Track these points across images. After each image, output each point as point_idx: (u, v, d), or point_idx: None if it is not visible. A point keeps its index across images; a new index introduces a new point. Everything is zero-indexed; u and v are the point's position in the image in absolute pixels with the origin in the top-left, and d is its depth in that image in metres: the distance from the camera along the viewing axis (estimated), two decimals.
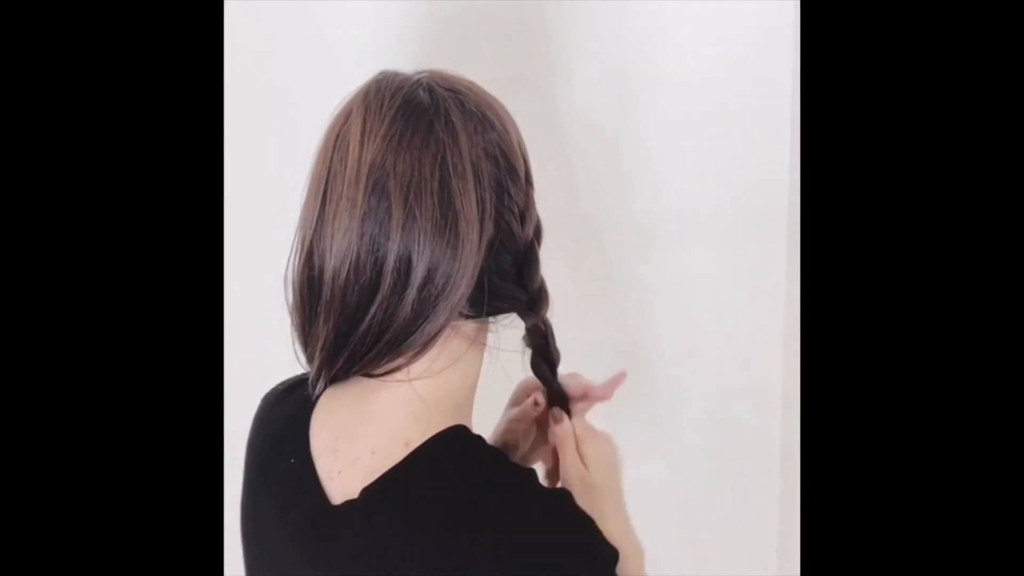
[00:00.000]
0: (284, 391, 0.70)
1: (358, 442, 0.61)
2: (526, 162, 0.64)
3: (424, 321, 0.58)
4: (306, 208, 0.60)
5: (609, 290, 1.13)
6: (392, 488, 0.58)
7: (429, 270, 0.56)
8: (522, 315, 0.66)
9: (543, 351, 0.70)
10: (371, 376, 0.61)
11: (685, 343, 1.16)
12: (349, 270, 0.57)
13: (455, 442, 0.60)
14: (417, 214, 0.56)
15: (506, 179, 0.60)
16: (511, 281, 0.62)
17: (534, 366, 0.71)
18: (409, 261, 0.56)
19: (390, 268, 0.56)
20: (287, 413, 0.67)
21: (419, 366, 0.60)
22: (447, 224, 0.56)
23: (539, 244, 0.65)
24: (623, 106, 1.08)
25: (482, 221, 0.58)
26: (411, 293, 0.57)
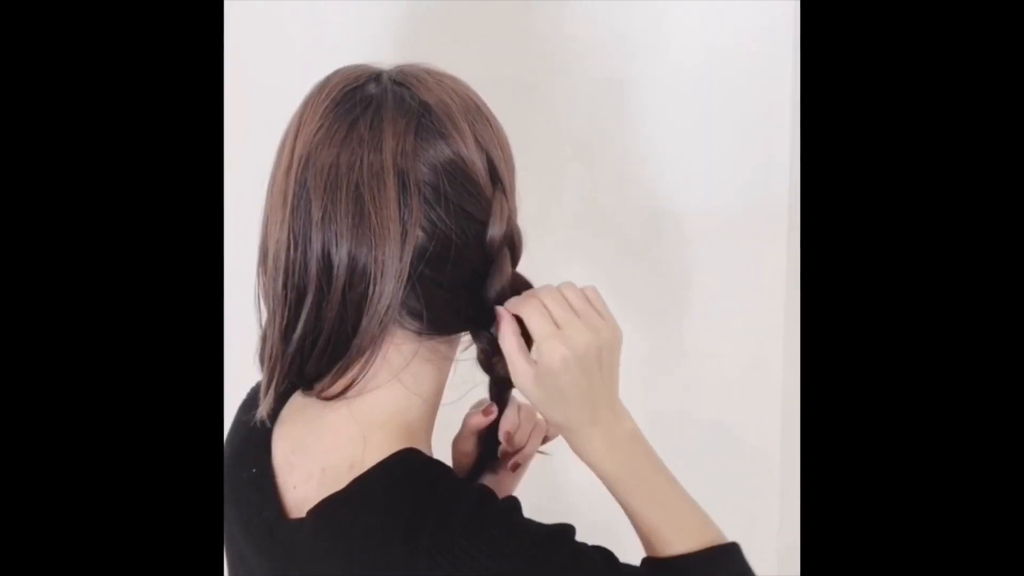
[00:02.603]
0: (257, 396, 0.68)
1: (310, 458, 0.60)
2: (493, 167, 0.59)
3: (356, 331, 0.56)
4: (264, 204, 0.60)
5: (609, 290, 1.13)
6: (335, 513, 0.56)
7: (349, 271, 0.55)
8: (474, 335, 0.62)
9: (498, 376, 0.64)
10: (325, 398, 0.59)
11: (685, 343, 1.16)
12: (285, 265, 0.57)
13: (401, 468, 0.57)
14: (333, 214, 0.55)
15: (447, 184, 0.56)
16: (457, 293, 0.59)
17: (496, 393, 0.67)
18: (330, 260, 0.56)
19: (313, 267, 0.56)
20: (253, 421, 0.65)
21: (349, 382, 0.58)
22: (362, 227, 0.55)
23: (512, 256, 0.61)
24: (623, 106, 1.08)
25: (404, 226, 0.55)
26: (335, 295, 0.56)
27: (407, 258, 0.55)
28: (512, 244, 0.61)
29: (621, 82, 1.07)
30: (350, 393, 0.59)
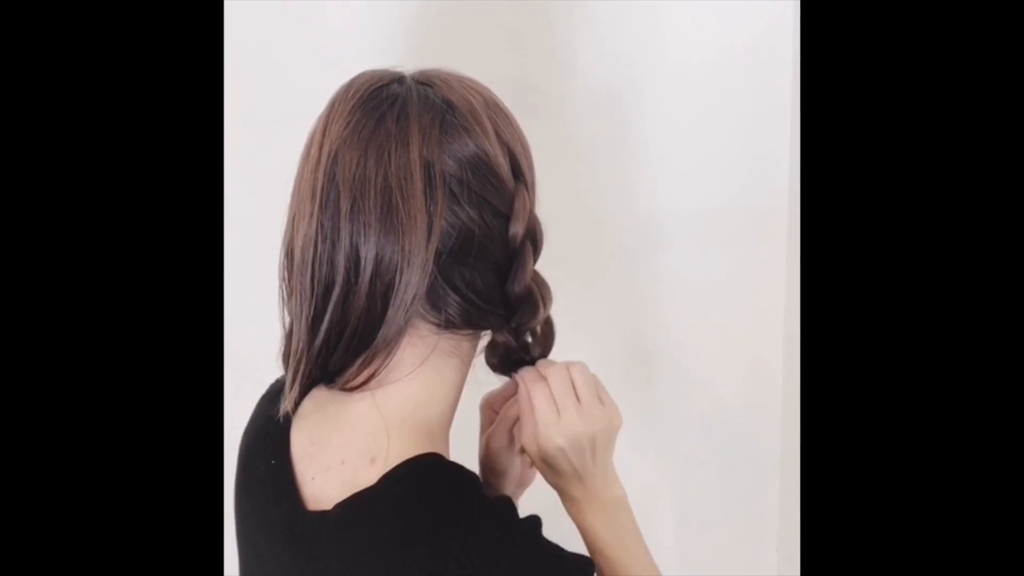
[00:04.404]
0: (280, 390, 0.68)
1: (330, 450, 0.61)
2: (515, 162, 0.62)
3: (381, 322, 0.58)
4: (290, 202, 0.62)
5: (609, 290, 1.13)
6: (362, 510, 0.57)
7: (376, 263, 0.57)
8: (495, 329, 0.63)
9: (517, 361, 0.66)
10: (348, 390, 0.60)
11: (685, 343, 1.16)
12: (313, 259, 0.58)
13: (428, 471, 0.58)
14: (362, 206, 0.57)
15: (471, 178, 0.59)
16: (478, 286, 0.61)
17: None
18: (357, 252, 0.57)
19: (341, 259, 0.57)
20: (274, 412, 0.66)
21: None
22: (389, 218, 0.57)
23: (534, 251, 0.63)
24: (623, 106, 1.08)
25: (430, 217, 0.57)
26: (363, 286, 0.57)
27: (432, 248, 0.57)
28: (534, 239, 0.63)
29: (621, 83, 1.07)
30: (372, 383, 0.60)
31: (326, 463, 0.61)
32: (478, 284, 0.60)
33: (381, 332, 0.58)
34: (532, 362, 0.66)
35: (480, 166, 0.59)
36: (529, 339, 0.66)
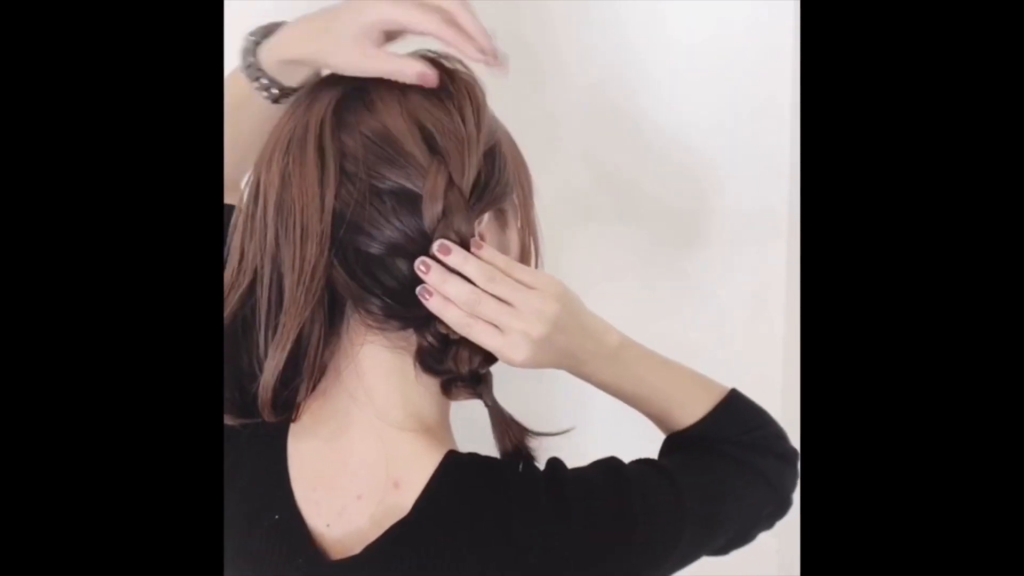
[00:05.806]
0: (242, 433, 0.61)
1: (339, 490, 0.58)
2: (429, 137, 0.56)
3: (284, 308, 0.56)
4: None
5: (609, 290, 1.13)
6: (403, 541, 0.55)
7: (276, 241, 0.56)
8: (417, 329, 0.58)
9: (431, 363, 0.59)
10: (295, 419, 0.59)
11: (685, 343, 1.16)
12: (241, 243, 0.59)
13: (453, 474, 0.56)
14: (275, 160, 0.57)
15: (365, 151, 0.55)
16: (389, 273, 0.56)
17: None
18: (265, 229, 0.57)
19: (255, 249, 0.58)
20: (259, 459, 0.61)
21: (355, 380, 0.58)
22: (285, 191, 0.56)
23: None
24: (622, 107, 1.08)
25: (323, 191, 0.55)
26: (267, 269, 0.56)
27: (327, 219, 0.55)
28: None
29: (621, 83, 1.07)
30: (337, 388, 0.59)
31: (339, 505, 0.58)
32: (390, 272, 0.56)
33: (280, 322, 0.55)
34: (472, 376, 0.59)
35: (386, 143, 0.55)
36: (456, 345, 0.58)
